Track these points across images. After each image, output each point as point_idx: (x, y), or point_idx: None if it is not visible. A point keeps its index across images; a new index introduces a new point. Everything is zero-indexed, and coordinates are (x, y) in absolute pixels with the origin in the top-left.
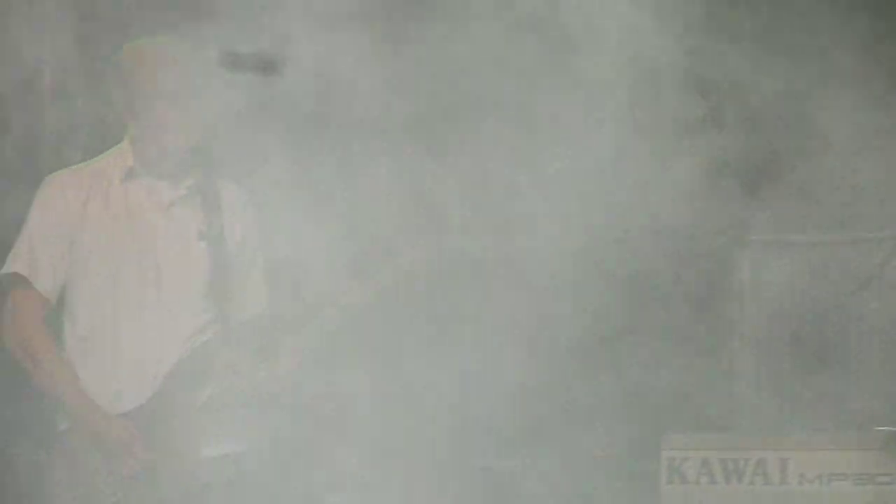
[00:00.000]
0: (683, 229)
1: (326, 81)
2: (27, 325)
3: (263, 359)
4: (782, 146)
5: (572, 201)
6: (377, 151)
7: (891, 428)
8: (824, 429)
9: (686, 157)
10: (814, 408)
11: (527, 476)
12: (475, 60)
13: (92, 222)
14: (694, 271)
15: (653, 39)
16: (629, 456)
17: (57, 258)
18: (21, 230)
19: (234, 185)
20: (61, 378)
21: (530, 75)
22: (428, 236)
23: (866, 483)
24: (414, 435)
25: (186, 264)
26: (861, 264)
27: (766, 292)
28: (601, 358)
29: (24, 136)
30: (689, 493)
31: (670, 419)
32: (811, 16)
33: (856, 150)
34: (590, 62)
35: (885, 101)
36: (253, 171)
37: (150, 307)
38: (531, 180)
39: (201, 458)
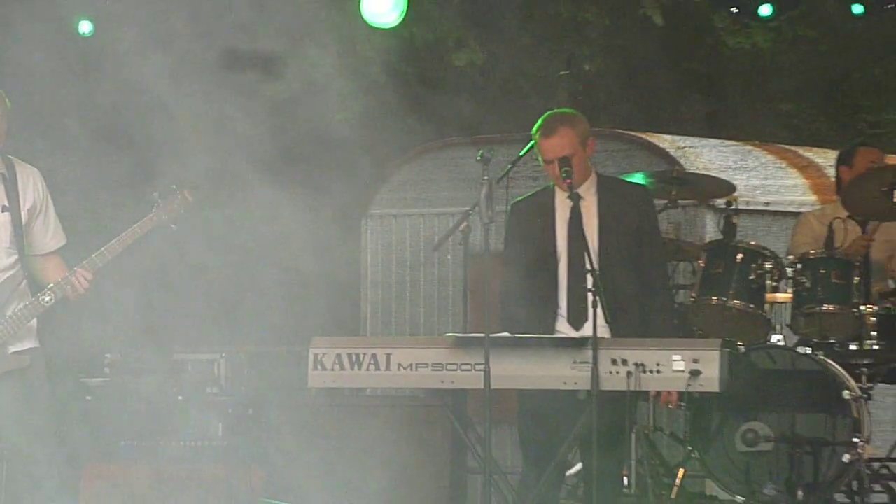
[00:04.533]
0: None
1: None
2: None
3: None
4: None
5: None
6: None
7: (456, 334)
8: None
9: None
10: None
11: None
12: None
13: None
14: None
15: None
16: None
17: None
18: None
19: (27, 166)
20: None
21: None
22: None
23: (440, 369)
24: None
25: None
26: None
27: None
28: None
29: None
30: (327, 376)
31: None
32: None
33: None
34: None
35: None
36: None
37: None
38: None
39: (9, 352)
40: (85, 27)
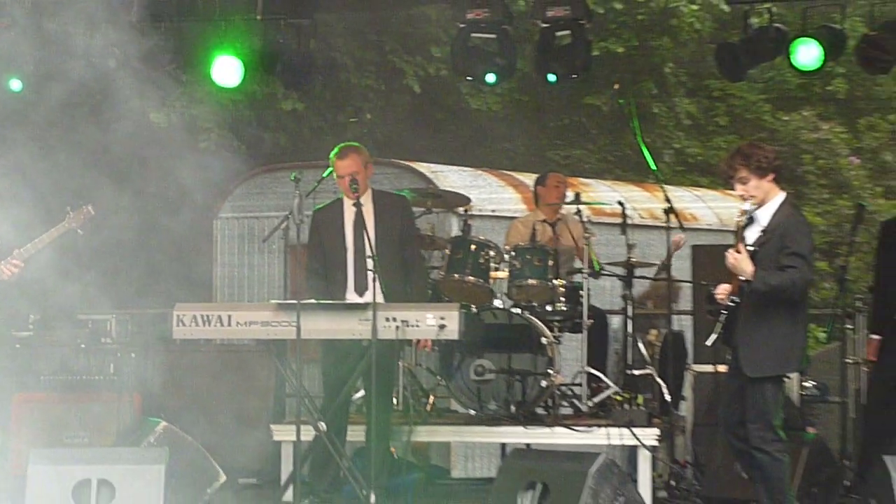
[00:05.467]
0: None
1: None
2: None
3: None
4: None
5: None
6: None
7: (277, 301)
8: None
9: None
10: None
11: None
12: None
13: None
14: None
15: None
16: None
17: None
18: None
19: None
20: None
21: None
22: None
23: (266, 325)
24: None
25: None
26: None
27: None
28: None
29: None
30: (186, 330)
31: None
32: None
33: None
34: None
35: None
36: None
37: None
38: None
39: None
40: (15, 84)
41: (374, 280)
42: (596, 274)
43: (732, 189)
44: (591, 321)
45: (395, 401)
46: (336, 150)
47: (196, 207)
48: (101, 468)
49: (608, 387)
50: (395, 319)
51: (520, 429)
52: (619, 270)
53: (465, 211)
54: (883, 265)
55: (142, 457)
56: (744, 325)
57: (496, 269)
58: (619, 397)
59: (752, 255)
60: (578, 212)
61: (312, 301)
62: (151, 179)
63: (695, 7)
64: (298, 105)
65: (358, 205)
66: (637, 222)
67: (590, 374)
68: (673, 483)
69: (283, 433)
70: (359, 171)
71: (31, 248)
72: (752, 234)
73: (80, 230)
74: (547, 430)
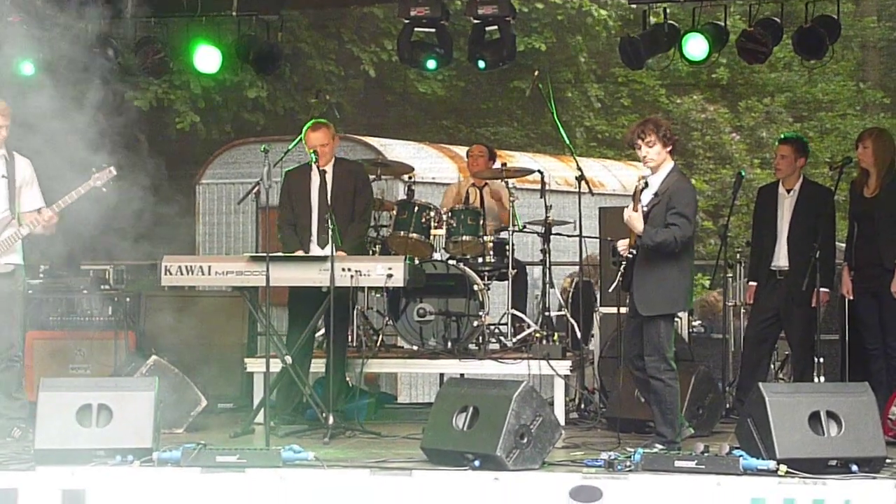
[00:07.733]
0: None
1: None
2: None
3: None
4: None
5: None
6: None
7: (250, 253)
8: None
9: None
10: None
11: None
12: None
13: None
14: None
15: None
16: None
17: None
18: None
19: (22, 157)
20: None
21: None
22: None
23: (241, 274)
24: None
25: None
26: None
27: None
28: None
29: None
30: (173, 278)
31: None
32: None
33: None
34: None
35: None
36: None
37: None
38: None
39: (1, 262)
40: (28, 69)
41: (330, 235)
42: (519, 231)
43: (633, 150)
44: (515, 271)
45: (350, 338)
46: (310, 123)
47: (181, 176)
48: (100, 395)
49: (529, 326)
50: (349, 269)
51: (455, 361)
52: (539, 228)
53: (410, 178)
54: (758, 224)
55: (135, 385)
56: (638, 272)
57: (436, 228)
58: (538, 335)
59: (646, 215)
60: (505, 179)
61: (280, 254)
62: (145, 153)
63: (604, 12)
64: (262, 93)
65: (322, 172)
66: (554, 188)
67: (514, 316)
68: (582, 406)
69: (255, 365)
70: (327, 143)
71: (62, 204)
72: (646, 197)
73: (104, 189)
74: (478, 362)
